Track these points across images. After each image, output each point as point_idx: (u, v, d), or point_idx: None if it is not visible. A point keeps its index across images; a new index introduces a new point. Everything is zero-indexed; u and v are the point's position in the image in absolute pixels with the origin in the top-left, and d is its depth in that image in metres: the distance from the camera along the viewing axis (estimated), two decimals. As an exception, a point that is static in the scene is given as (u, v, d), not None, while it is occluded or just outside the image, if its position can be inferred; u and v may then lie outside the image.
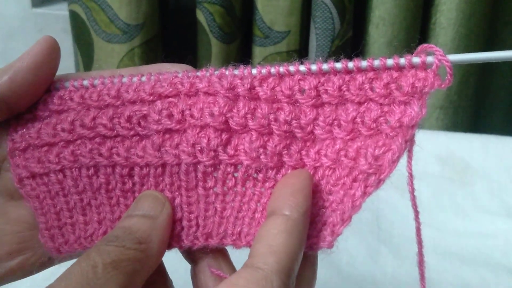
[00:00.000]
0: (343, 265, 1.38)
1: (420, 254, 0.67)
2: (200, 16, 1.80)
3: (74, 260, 0.59)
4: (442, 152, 1.62)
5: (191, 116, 0.68)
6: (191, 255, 0.72)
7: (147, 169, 0.70)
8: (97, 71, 0.75)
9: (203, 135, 0.68)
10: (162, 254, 0.66)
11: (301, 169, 0.68)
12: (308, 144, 0.68)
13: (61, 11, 1.97)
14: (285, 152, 0.68)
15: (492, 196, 1.54)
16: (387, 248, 1.41)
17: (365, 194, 0.64)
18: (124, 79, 0.72)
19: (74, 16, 1.83)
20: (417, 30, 1.82)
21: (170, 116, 0.69)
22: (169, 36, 1.92)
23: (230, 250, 0.72)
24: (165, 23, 1.91)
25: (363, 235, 1.44)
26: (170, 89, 0.69)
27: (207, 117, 0.67)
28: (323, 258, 1.35)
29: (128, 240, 0.61)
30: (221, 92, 0.67)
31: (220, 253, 0.71)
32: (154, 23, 1.83)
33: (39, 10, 1.96)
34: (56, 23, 1.79)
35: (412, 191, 0.65)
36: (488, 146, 1.63)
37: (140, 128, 0.70)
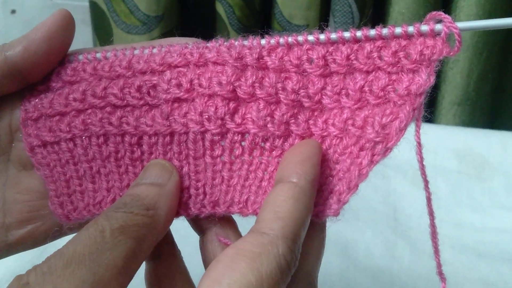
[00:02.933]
0: (360, 257, 1.38)
1: (433, 226, 0.66)
2: (220, 9, 1.80)
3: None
4: (460, 147, 1.61)
5: (200, 85, 0.69)
6: (199, 225, 0.73)
7: (156, 138, 0.71)
8: (110, 46, 0.77)
9: (210, 104, 0.68)
10: (170, 221, 0.67)
11: (310, 138, 0.68)
12: (315, 113, 0.68)
13: (81, 2, 1.99)
14: (293, 121, 0.68)
15: (510, 192, 1.53)
16: (404, 242, 1.40)
17: (372, 162, 0.64)
18: (136, 51, 0.73)
19: (94, 6, 1.84)
20: (436, 26, 1.81)
21: (179, 85, 0.70)
22: (188, 28, 1.92)
23: (238, 220, 0.73)
24: (185, 15, 1.92)
25: (380, 228, 1.44)
26: (180, 59, 0.70)
27: (215, 86, 0.68)
28: (340, 250, 1.36)
29: (136, 207, 0.62)
30: (230, 61, 0.68)
31: (228, 222, 0.72)
32: (174, 15, 1.84)
33: (59, 1, 1.98)
34: (76, 14, 1.78)
35: (420, 160, 0.65)
36: (506, 142, 1.62)
37: (149, 98, 0.71)
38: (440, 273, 0.67)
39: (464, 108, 1.84)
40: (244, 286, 0.53)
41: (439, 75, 1.81)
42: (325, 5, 1.83)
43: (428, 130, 1.62)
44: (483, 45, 1.76)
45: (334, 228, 1.41)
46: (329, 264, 1.37)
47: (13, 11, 1.83)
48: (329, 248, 1.37)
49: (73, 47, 0.76)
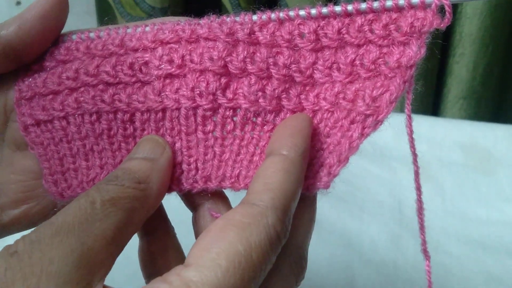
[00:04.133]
0: (365, 249, 1.39)
1: (419, 201, 0.66)
2: (225, 0, 1.80)
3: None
4: (465, 141, 1.61)
5: (191, 61, 0.69)
6: (192, 201, 0.73)
7: (148, 114, 0.71)
8: (104, 26, 0.77)
9: (202, 79, 0.68)
10: (162, 195, 0.67)
11: (301, 112, 0.68)
12: (307, 88, 0.68)
13: (86, -6, 1.98)
14: (284, 96, 0.68)
15: (515, 185, 1.53)
16: (409, 234, 1.41)
17: (362, 135, 0.64)
18: (129, 30, 0.73)
19: (99, -2, 1.84)
20: (442, 19, 1.80)
21: (170, 61, 0.70)
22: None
23: (230, 198, 0.73)
24: (189, 7, 1.91)
25: (385, 221, 1.45)
26: (171, 36, 0.70)
27: (207, 61, 0.68)
28: (345, 242, 1.36)
29: (127, 180, 0.62)
30: (221, 37, 0.67)
31: (220, 198, 0.72)
32: (179, 6, 1.84)
33: (63, -8, 1.97)
34: (80, 5, 1.78)
35: (410, 133, 0.64)
36: (511, 135, 1.62)
37: (141, 75, 0.71)
38: (425, 251, 0.66)
39: (470, 102, 1.83)
40: (232, 255, 0.53)
41: (444, 68, 1.80)
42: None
43: (434, 124, 1.63)
44: (489, 38, 1.75)
45: (339, 220, 1.42)
46: (334, 256, 1.38)
47: (18, 3, 1.84)
48: (334, 240, 1.38)
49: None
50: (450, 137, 1.62)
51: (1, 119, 0.76)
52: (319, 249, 1.37)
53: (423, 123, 1.63)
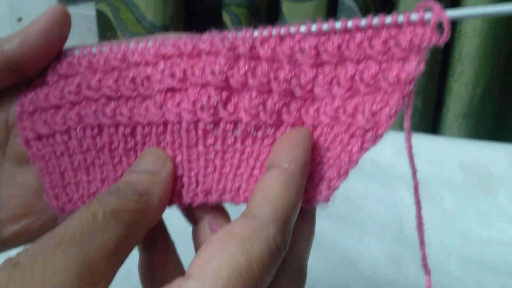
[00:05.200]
0: (365, 268, 1.38)
1: (419, 217, 0.66)
2: (226, 18, 1.81)
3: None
4: (466, 159, 1.61)
5: (193, 74, 0.69)
6: (192, 215, 0.73)
7: (149, 128, 0.72)
8: (106, 42, 0.78)
9: (203, 93, 0.68)
10: (163, 208, 0.67)
11: (301, 126, 0.68)
12: (307, 102, 0.69)
13: (87, 11, 1.98)
14: (285, 110, 0.68)
15: (516, 204, 1.52)
16: (410, 253, 1.40)
17: (362, 149, 0.64)
18: (131, 45, 0.73)
19: (100, 15, 1.85)
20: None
21: (172, 75, 0.70)
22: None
23: (230, 213, 0.74)
24: (191, 25, 1.92)
25: (386, 240, 1.44)
26: (173, 50, 0.70)
27: (208, 75, 0.68)
28: (345, 262, 1.36)
29: (129, 192, 0.62)
30: (223, 51, 0.68)
31: (220, 212, 0.72)
32: (180, 24, 1.84)
33: (65, 9, 1.98)
34: (82, 23, 1.79)
35: (409, 147, 0.65)
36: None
37: (143, 89, 0.71)
38: (425, 266, 0.66)
39: (469, 121, 1.83)
40: (233, 267, 0.53)
41: (443, 87, 1.81)
42: (331, 15, 1.83)
43: (434, 142, 1.63)
44: (488, 57, 1.75)
45: (339, 239, 1.42)
46: (334, 275, 1.37)
47: (20, 19, 1.85)
48: (334, 259, 1.38)
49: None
50: (450, 155, 1.62)
51: (3, 134, 0.77)
52: (319, 268, 1.37)
53: (423, 142, 1.64)
